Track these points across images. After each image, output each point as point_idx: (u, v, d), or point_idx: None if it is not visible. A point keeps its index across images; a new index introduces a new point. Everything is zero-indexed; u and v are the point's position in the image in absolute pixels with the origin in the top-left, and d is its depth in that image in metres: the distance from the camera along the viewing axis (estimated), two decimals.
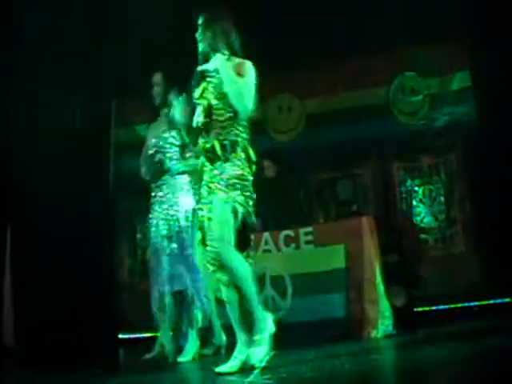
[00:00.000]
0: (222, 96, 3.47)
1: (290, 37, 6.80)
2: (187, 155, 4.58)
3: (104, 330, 6.12)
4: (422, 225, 6.67)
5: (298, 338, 4.92)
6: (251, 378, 3.27)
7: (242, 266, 3.38)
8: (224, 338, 4.52)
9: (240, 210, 3.38)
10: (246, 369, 3.37)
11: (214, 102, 3.49)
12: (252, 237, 3.62)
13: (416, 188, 6.79)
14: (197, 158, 3.82)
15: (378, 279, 5.14)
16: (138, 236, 7.54)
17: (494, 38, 5.99)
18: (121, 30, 6.67)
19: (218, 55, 3.52)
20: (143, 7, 6.26)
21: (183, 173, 4.57)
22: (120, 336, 6.80)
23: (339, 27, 6.69)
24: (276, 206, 5.78)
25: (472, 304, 6.25)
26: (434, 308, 6.28)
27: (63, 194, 5.78)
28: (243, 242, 3.47)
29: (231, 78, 3.43)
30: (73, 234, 6.04)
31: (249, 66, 3.52)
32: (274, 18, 6.69)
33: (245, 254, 3.46)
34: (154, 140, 4.66)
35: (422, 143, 6.81)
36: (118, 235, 7.48)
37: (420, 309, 5.88)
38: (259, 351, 3.38)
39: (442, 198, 6.68)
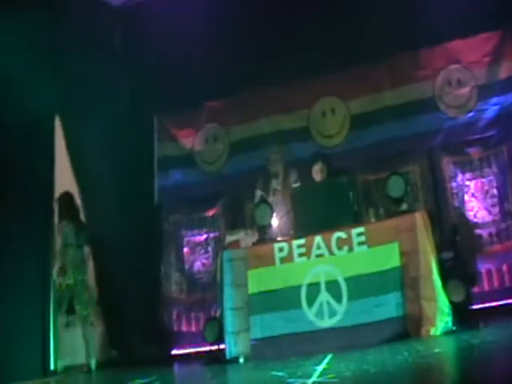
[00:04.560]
0: None
1: (329, 38, 6.80)
2: None
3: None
4: (476, 219, 6.51)
5: (356, 340, 4.88)
6: (314, 378, 3.26)
7: None
8: None
9: None
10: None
11: None
12: None
13: (467, 182, 6.64)
14: None
15: (435, 275, 5.05)
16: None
17: None
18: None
19: None
20: None
21: None
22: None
23: (380, 25, 6.65)
24: (326, 209, 5.69)
25: None
26: (491, 304, 6.11)
27: None
28: None
29: None
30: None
31: None
32: (313, 22, 6.70)
33: None
34: None
35: (472, 136, 6.66)
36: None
37: (478, 306, 5.75)
38: None
39: (495, 191, 6.52)
